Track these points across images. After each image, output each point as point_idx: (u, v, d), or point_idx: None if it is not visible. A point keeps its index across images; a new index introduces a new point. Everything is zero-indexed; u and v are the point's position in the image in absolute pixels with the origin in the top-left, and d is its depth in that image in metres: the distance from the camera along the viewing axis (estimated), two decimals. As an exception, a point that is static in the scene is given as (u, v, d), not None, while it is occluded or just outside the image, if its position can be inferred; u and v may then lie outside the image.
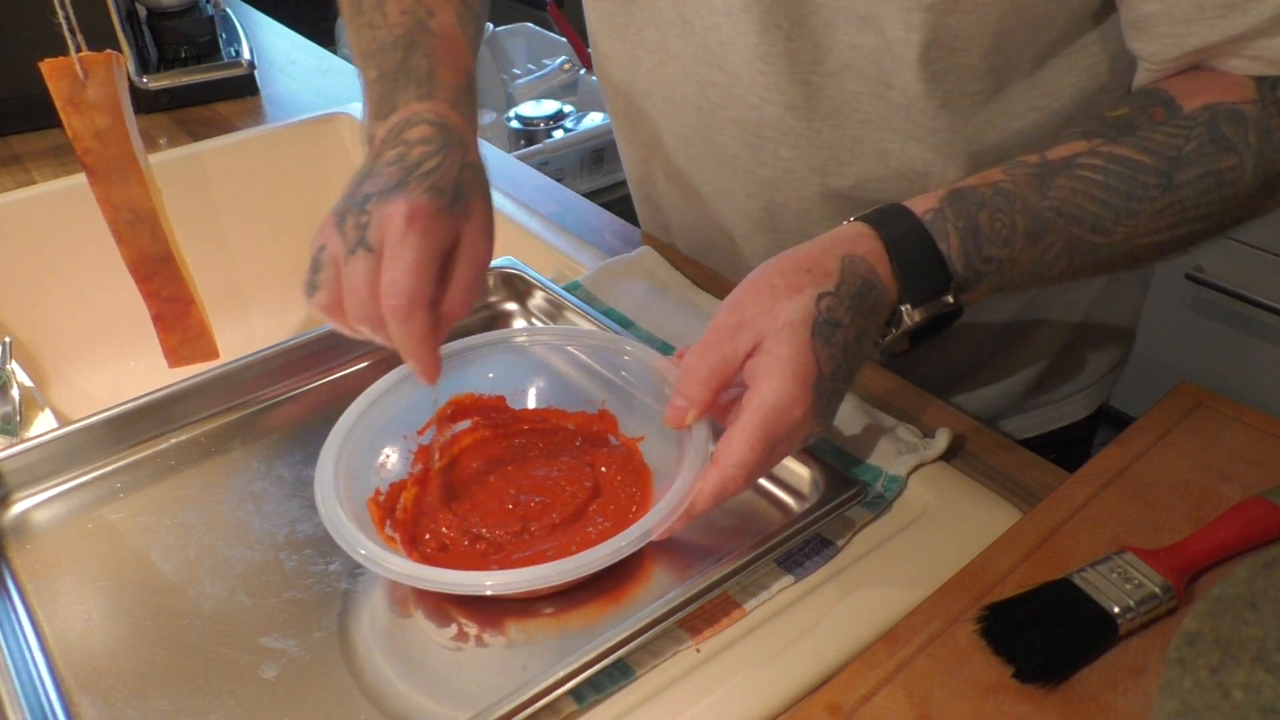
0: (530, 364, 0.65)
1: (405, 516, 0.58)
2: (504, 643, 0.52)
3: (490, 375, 0.64)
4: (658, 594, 0.53)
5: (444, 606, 0.54)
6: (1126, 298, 0.82)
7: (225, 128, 1.09)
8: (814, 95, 0.66)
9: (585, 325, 0.71)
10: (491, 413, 0.64)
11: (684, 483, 0.51)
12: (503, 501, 0.59)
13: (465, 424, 0.64)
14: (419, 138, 0.53)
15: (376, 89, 0.58)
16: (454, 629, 0.53)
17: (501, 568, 0.54)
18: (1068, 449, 0.65)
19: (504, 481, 0.60)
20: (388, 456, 0.60)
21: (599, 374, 0.64)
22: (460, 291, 0.52)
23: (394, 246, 0.49)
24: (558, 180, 1.03)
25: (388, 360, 0.68)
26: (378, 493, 0.58)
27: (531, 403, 0.65)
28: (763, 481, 0.60)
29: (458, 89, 0.57)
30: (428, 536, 0.57)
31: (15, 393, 0.74)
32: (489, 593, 0.51)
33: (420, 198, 0.50)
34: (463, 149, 0.54)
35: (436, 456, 0.62)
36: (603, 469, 0.60)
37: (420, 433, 0.61)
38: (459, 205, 0.52)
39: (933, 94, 0.63)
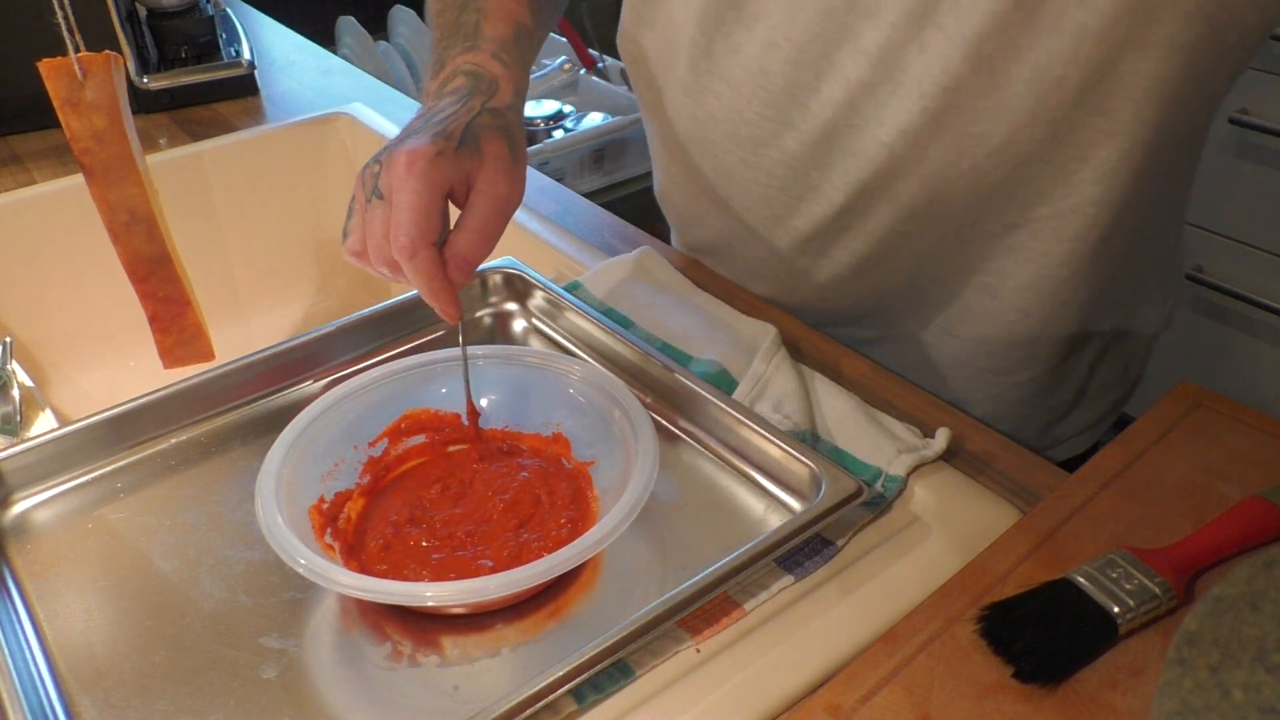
0: (486, 383, 0.64)
1: (348, 526, 0.58)
2: (438, 661, 0.51)
3: (444, 391, 0.64)
4: (604, 611, 0.53)
5: (381, 623, 0.53)
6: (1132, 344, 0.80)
7: (225, 128, 1.09)
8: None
9: (585, 325, 0.71)
10: (445, 429, 0.64)
11: (626, 503, 0.51)
12: (448, 517, 0.58)
13: (419, 439, 0.63)
14: (452, 89, 0.57)
15: (436, 49, 0.62)
16: (389, 647, 0.52)
17: (438, 581, 0.54)
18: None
19: (450, 498, 0.59)
20: (336, 465, 0.60)
21: (555, 396, 0.63)
22: (473, 230, 0.54)
23: (396, 192, 0.52)
24: (558, 180, 1.03)
25: (386, 360, 0.68)
26: (321, 500, 0.58)
27: (486, 421, 0.64)
28: (763, 481, 0.60)
29: (502, 39, 0.61)
30: (369, 544, 0.56)
31: (15, 393, 0.74)
32: (429, 604, 0.50)
33: (421, 143, 0.53)
34: (485, 95, 0.57)
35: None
36: (549, 490, 0.59)
37: (372, 444, 0.61)
38: (466, 148, 0.54)
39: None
